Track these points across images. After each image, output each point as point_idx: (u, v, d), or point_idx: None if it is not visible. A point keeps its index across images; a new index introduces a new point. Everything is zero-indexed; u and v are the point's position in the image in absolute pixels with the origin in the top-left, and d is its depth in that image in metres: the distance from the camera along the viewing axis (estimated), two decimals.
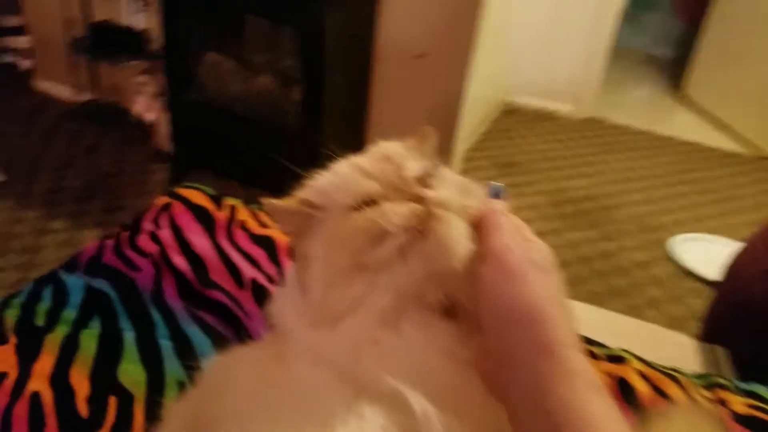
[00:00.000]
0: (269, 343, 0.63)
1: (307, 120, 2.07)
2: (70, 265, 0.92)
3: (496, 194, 0.56)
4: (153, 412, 0.70)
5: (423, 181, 0.53)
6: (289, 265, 0.65)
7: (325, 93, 1.98)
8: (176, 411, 0.63)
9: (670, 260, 2.41)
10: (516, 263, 0.48)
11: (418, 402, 0.47)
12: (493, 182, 0.57)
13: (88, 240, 2.18)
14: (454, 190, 0.54)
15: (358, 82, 2.34)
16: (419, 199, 0.50)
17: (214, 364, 0.64)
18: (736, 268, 1.44)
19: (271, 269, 0.91)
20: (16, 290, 0.88)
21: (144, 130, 2.71)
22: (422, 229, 0.49)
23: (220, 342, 0.80)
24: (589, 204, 2.73)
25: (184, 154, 2.48)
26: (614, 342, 0.96)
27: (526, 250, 0.50)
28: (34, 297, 0.85)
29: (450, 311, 0.53)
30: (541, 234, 0.52)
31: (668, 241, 2.49)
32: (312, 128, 2.03)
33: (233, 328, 0.84)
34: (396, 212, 0.50)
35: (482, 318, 0.50)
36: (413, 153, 0.58)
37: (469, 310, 0.53)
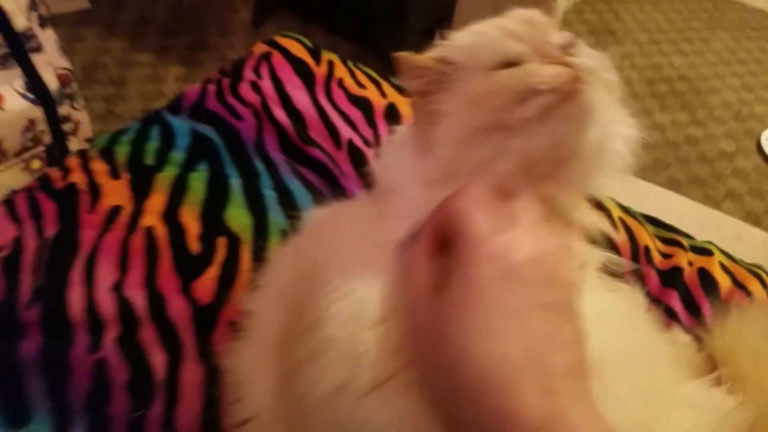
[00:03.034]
0: (371, 202, 0.64)
1: None
2: (174, 107, 0.95)
3: None
4: (259, 255, 0.76)
5: (566, 49, 0.51)
6: (390, 128, 0.66)
7: None
8: (283, 254, 0.67)
9: (759, 153, 2.30)
10: (483, 280, 0.37)
11: None
12: None
13: (172, 76, 2.22)
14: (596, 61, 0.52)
15: None
16: (566, 65, 0.49)
17: (318, 215, 0.67)
18: None
19: (366, 132, 0.92)
20: (124, 127, 0.93)
21: None
22: (570, 90, 0.48)
23: (318, 197, 0.83)
24: (682, 85, 2.57)
25: None
26: (698, 234, 0.95)
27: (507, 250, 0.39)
28: (142, 135, 0.89)
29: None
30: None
31: (761, 133, 2.35)
32: None
33: (330, 186, 0.87)
34: (546, 72, 0.49)
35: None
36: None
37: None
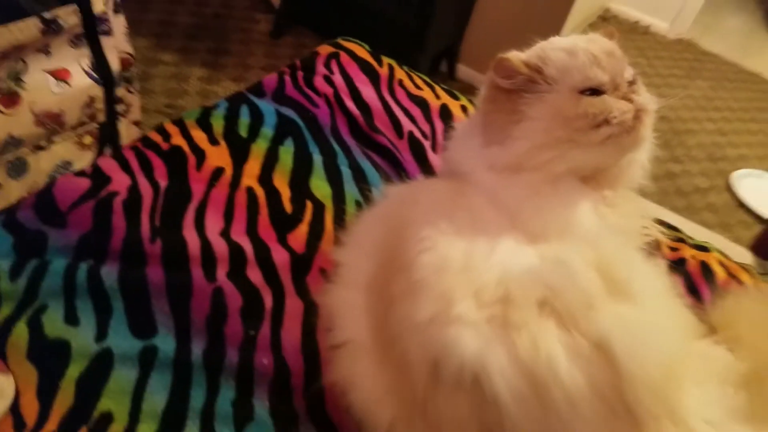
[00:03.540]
0: (447, 180, 0.79)
1: None
2: (257, 91, 1.08)
3: None
4: (339, 219, 0.89)
5: (631, 85, 0.66)
6: (447, 124, 0.78)
7: None
8: (369, 217, 0.79)
9: (728, 191, 2.52)
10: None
11: (559, 250, 0.63)
12: None
13: (195, 76, 2.33)
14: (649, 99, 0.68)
15: None
16: (630, 100, 0.64)
17: (405, 187, 0.80)
18: None
19: (425, 126, 1.07)
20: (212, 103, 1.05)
21: None
22: (630, 127, 0.64)
23: (385, 177, 0.97)
24: (663, 125, 2.78)
25: (290, 9, 2.55)
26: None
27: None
28: (233, 112, 1.02)
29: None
30: None
31: (731, 173, 2.58)
32: (424, 4, 2.07)
33: (394, 169, 1.01)
34: (620, 109, 0.64)
35: None
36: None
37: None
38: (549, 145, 0.66)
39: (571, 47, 0.67)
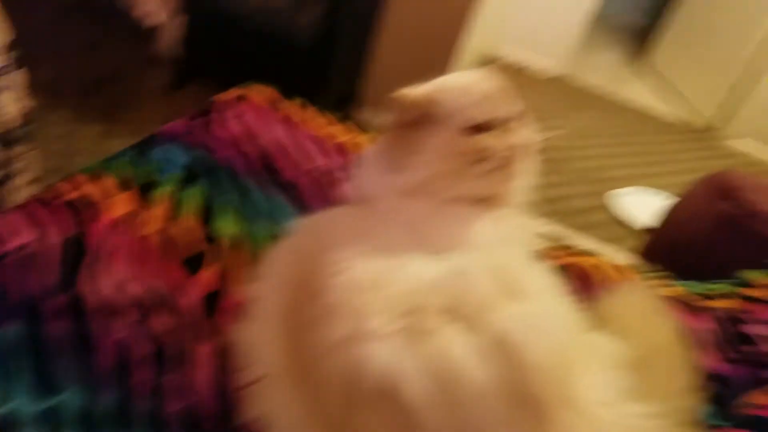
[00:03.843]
0: (356, 206, 0.83)
1: (319, 43, 2.17)
2: (162, 137, 1.10)
3: None
4: (251, 257, 0.91)
5: (517, 121, 0.75)
6: (356, 156, 0.83)
7: (343, 18, 2.09)
8: (280, 251, 0.82)
9: (607, 210, 2.73)
10: None
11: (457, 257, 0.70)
12: None
13: (90, 133, 2.27)
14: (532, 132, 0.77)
15: (371, 11, 2.42)
16: (512, 136, 0.73)
17: (314, 218, 0.83)
18: (672, 213, 1.75)
19: (332, 161, 1.12)
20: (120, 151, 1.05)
21: (146, 31, 2.76)
22: (509, 162, 0.73)
23: (297, 211, 1.00)
24: (548, 153, 2.99)
25: (190, 61, 2.54)
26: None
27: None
28: (139, 158, 1.03)
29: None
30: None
31: (607, 193, 2.81)
32: (323, 52, 2.15)
33: (306, 204, 1.04)
34: (499, 146, 0.72)
35: None
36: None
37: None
38: (441, 175, 0.74)
39: (463, 85, 0.75)
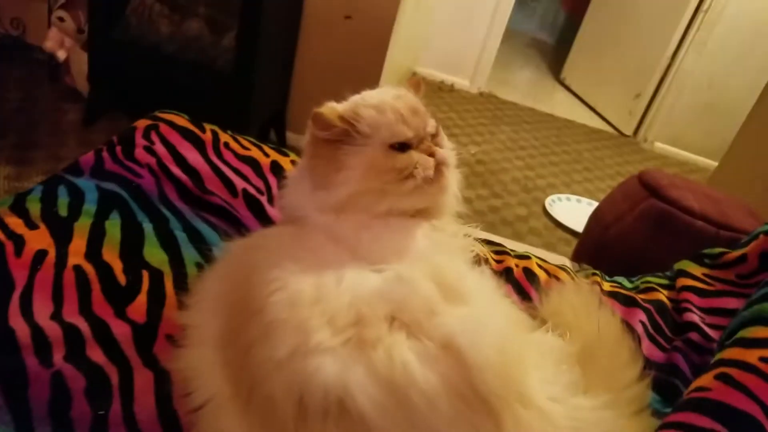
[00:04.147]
0: (286, 225, 0.82)
1: (238, 68, 2.14)
2: (74, 171, 1.04)
3: None
4: (181, 284, 0.86)
5: (435, 138, 0.77)
6: (279, 177, 0.82)
7: (259, 42, 2.06)
8: (211, 275, 0.79)
9: (546, 216, 2.80)
10: None
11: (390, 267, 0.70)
12: None
13: (1, 175, 2.15)
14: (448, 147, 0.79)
15: (289, 35, 2.42)
16: (432, 153, 0.74)
17: (243, 241, 0.81)
18: (598, 215, 1.80)
19: (258, 182, 1.08)
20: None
21: (53, 67, 2.65)
22: (432, 179, 0.74)
23: (225, 235, 0.96)
24: (480, 167, 3.07)
25: (101, 95, 2.45)
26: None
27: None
28: (50, 193, 0.96)
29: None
30: None
31: (544, 200, 2.88)
32: (242, 76, 2.11)
33: (232, 226, 1.01)
34: (423, 164, 0.73)
35: None
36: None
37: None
38: (367, 192, 0.74)
39: (380, 104, 0.76)
